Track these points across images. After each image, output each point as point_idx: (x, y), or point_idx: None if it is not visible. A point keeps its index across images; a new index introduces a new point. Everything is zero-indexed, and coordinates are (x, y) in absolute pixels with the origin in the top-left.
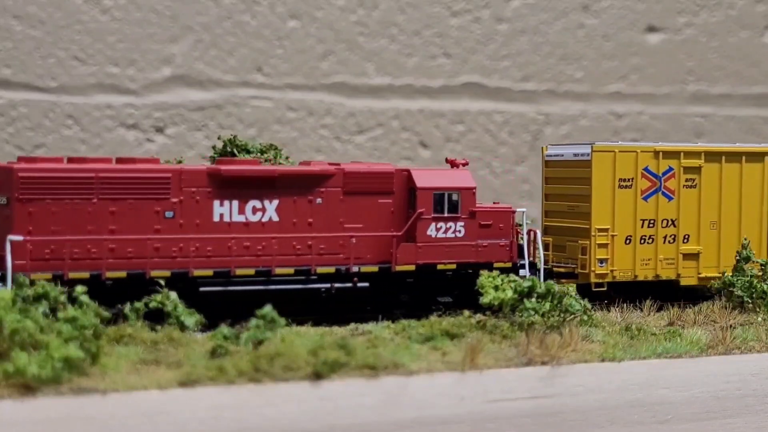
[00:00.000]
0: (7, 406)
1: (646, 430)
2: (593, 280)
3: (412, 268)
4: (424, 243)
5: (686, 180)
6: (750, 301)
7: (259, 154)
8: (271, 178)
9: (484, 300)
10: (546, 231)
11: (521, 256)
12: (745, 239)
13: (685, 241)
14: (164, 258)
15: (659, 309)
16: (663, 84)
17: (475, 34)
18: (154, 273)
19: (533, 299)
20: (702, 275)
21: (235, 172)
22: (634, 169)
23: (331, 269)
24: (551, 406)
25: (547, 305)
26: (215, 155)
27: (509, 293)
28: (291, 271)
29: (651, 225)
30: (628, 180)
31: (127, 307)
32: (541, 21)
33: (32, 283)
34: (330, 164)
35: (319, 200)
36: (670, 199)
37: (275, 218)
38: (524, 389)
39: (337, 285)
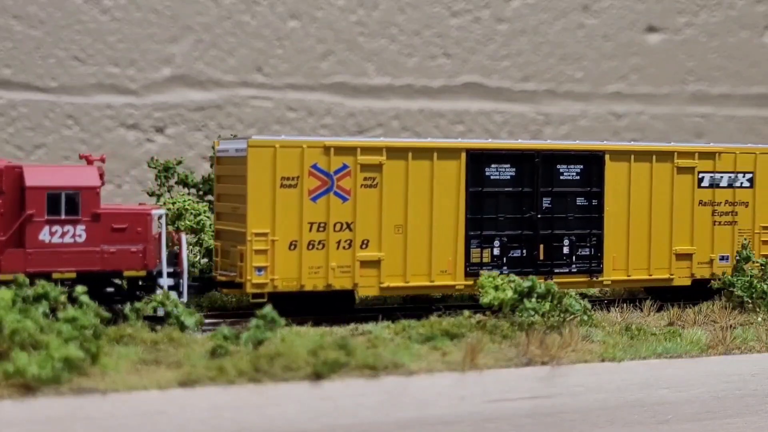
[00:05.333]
0: (7, 406)
1: (646, 430)
2: (250, 290)
3: None
4: (36, 249)
5: (365, 179)
6: (750, 301)
7: None
8: None
9: (484, 300)
10: (217, 235)
11: (168, 263)
12: (745, 239)
13: (364, 246)
14: None
15: (659, 309)
16: (663, 84)
17: (475, 34)
18: None
19: (533, 299)
20: (384, 285)
21: None
22: (300, 167)
23: None
24: (551, 406)
25: (547, 305)
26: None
27: (509, 293)
28: None
29: (321, 229)
30: (293, 179)
31: (127, 307)
32: (541, 21)
33: None
34: None
35: None
36: (344, 200)
37: None
38: (524, 389)
39: None
